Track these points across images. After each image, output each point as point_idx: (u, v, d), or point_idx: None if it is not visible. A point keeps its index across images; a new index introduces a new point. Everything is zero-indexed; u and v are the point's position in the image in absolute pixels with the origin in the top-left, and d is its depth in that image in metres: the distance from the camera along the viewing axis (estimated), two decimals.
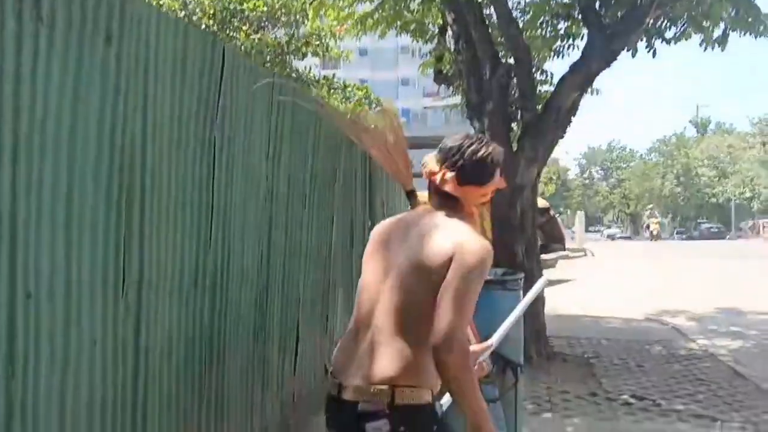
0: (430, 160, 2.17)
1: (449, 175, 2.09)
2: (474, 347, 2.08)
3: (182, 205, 3.32)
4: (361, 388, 1.89)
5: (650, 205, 50.44)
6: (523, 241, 6.83)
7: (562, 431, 4.72)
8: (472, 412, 1.87)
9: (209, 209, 3.57)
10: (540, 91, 7.89)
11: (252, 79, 3.98)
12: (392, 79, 55.85)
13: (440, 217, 2.06)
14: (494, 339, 2.47)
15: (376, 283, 2.01)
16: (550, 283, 14.33)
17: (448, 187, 2.08)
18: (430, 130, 43.04)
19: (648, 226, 43.14)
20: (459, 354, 1.84)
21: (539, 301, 6.99)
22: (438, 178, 2.10)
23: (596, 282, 15.98)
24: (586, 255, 25.29)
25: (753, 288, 12.62)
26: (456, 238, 1.95)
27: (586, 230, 53.60)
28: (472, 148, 2.13)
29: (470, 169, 2.10)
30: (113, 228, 2.78)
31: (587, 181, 78.39)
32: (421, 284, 1.92)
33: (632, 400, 5.48)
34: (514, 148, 6.94)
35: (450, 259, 1.90)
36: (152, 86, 3.02)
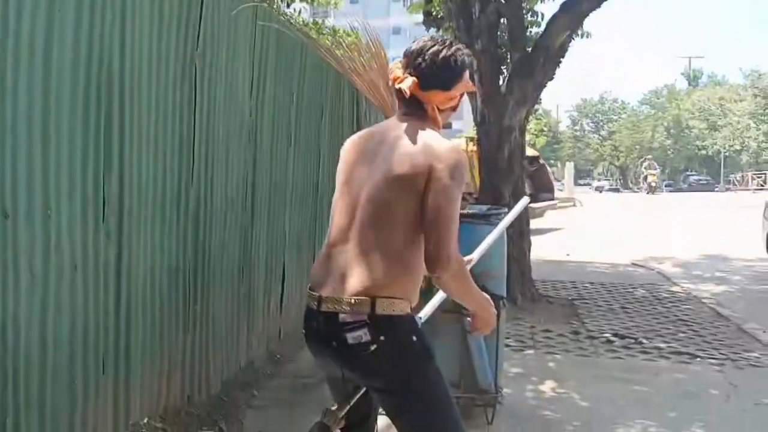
0: (395, 66, 2.09)
1: (411, 79, 2.00)
2: None
3: (163, 131, 3.28)
4: (341, 299, 1.88)
5: (649, 156, 50.21)
6: (511, 183, 6.82)
7: (543, 366, 4.78)
8: (475, 303, 2.07)
9: (191, 139, 3.53)
10: (530, 32, 7.80)
11: (235, 5, 3.90)
12: (384, 27, 55.11)
13: (408, 126, 2.00)
14: (475, 254, 2.45)
15: (350, 198, 1.99)
16: (538, 231, 14.46)
17: (411, 91, 1.99)
18: None
19: (646, 177, 42.82)
20: (456, 267, 1.89)
21: (525, 243, 7.03)
22: (401, 83, 2.01)
23: (584, 230, 16.07)
24: (575, 205, 25.40)
25: (738, 236, 12.71)
26: (428, 150, 1.91)
27: (576, 183, 53.64)
28: (434, 49, 2.01)
29: (433, 72, 1.99)
30: (92, 151, 2.75)
31: (578, 134, 78.18)
32: (396, 197, 1.90)
33: (614, 339, 5.55)
34: (503, 91, 6.89)
35: (426, 172, 1.87)
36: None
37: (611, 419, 3.77)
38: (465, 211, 3.94)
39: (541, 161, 17.66)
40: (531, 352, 5.15)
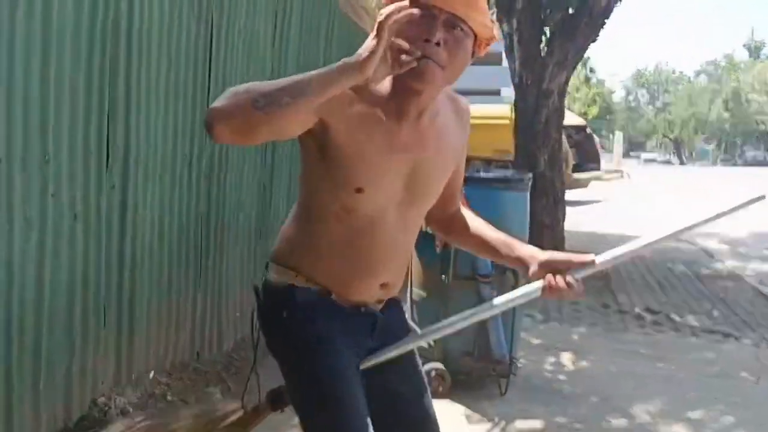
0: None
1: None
2: (568, 257, 1.51)
3: (175, 83, 3.20)
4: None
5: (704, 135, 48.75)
6: (547, 149, 6.61)
7: (566, 338, 4.64)
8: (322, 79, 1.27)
9: (205, 92, 3.45)
10: None
11: None
12: None
13: None
14: (602, 258, 1.50)
15: None
16: (582, 203, 14.09)
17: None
18: None
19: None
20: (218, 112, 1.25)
21: (559, 212, 6.84)
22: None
23: (628, 203, 15.67)
24: (622, 177, 24.78)
25: None
26: None
27: (628, 154, 52.40)
28: None
29: None
30: (96, 101, 2.68)
31: (633, 104, 76.30)
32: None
33: (645, 314, 5.37)
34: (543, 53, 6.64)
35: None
36: None
37: (630, 395, 3.63)
38: (486, 175, 3.80)
39: (588, 131, 17.20)
40: (556, 324, 5.01)
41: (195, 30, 3.30)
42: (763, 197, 1.43)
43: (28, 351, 2.44)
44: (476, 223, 1.72)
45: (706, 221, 1.45)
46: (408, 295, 3.84)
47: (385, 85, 1.39)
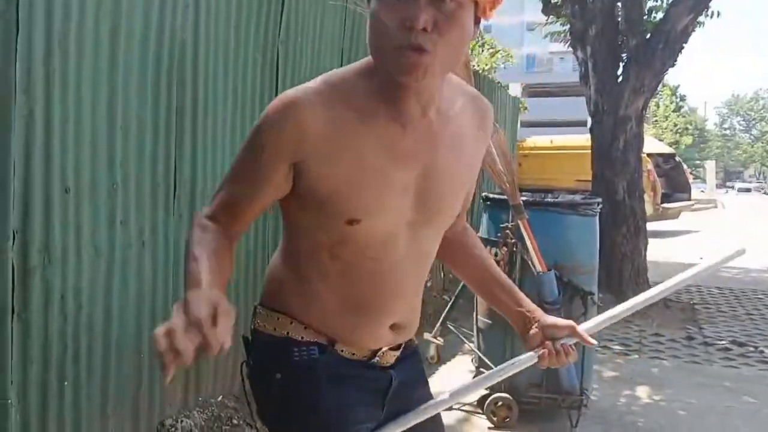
0: None
1: None
2: (571, 324, 1.37)
3: (241, 119, 3.30)
4: None
5: None
6: (625, 176, 6.43)
7: (645, 371, 4.44)
8: None
9: None
10: (654, 16, 7.33)
11: None
12: (517, 23, 54.14)
13: None
14: (589, 325, 1.40)
15: None
16: (672, 233, 13.59)
17: None
18: (555, 77, 41.43)
19: None
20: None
21: (641, 241, 6.61)
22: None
23: (722, 234, 14.98)
24: (716, 207, 23.79)
25: None
26: None
27: (724, 184, 50.16)
28: None
29: None
30: (162, 131, 2.80)
31: (727, 132, 73.36)
32: None
33: (731, 346, 5.09)
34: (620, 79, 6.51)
35: None
36: None
37: (710, 431, 3.43)
38: (553, 199, 3.73)
39: (678, 159, 16.64)
40: (635, 356, 4.82)
41: (261, 64, 3.42)
42: (743, 251, 1.41)
43: (96, 375, 2.54)
44: (479, 251, 1.49)
45: (690, 278, 1.46)
46: (474, 323, 3.80)
47: (375, 82, 1.16)
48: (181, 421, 2.99)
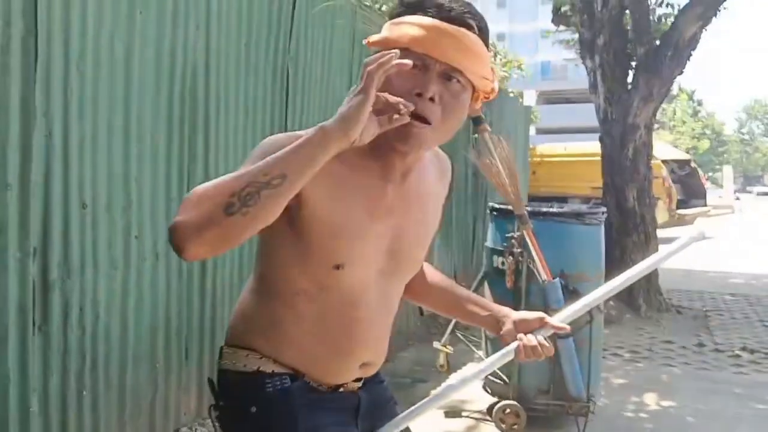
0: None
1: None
2: (541, 316, 1.43)
3: (252, 136, 3.39)
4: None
5: None
6: (635, 184, 6.47)
7: (654, 378, 4.48)
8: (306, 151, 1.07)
9: None
10: (665, 22, 7.38)
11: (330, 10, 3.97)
12: (532, 31, 54.14)
13: None
14: (561, 316, 1.45)
15: None
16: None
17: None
18: (570, 83, 41.33)
19: None
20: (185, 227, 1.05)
21: (651, 248, 6.62)
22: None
23: (738, 240, 14.91)
24: (733, 212, 23.60)
25: None
26: None
27: (744, 189, 49.61)
28: None
29: None
30: (176, 148, 2.91)
31: (746, 137, 72.70)
32: None
33: (742, 353, 5.11)
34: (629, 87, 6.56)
35: None
36: (215, 3, 3.07)
37: None
38: (559, 209, 3.79)
39: (693, 165, 16.58)
40: (644, 363, 4.85)
41: (271, 82, 3.51)
42: (703, 236, 1.47)
43: (113, 385, 2.64)
44: (439, 277, 1.56)
45: (650, 267, 1.48)
46: (482, 332, 3.87)
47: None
48: (196, 430, 3.08)
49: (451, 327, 4.30)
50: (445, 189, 1.43)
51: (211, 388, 1.35)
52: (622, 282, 1.48)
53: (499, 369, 3.60)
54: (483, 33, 1.21)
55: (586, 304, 1.47)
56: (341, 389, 1.34)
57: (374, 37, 1.22)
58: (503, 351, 1.41)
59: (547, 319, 1.42)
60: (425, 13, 1.18)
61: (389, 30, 1.21)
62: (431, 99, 1.16)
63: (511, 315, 1.45)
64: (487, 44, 1.23)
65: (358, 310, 1.28)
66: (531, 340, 1.37)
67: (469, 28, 1.18)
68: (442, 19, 1.17)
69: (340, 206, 1.21)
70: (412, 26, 1.18)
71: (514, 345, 1.39)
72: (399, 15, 1.22)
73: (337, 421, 1.31)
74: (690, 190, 15.59)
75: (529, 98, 29.88)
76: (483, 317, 1.48)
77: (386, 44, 1.18)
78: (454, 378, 1.18)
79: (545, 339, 1.39)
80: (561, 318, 1.45)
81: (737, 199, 34.33)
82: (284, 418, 1.27)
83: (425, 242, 1.38)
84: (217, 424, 1.33)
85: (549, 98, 39.09)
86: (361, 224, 1.23)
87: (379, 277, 1.30)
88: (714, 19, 6.32)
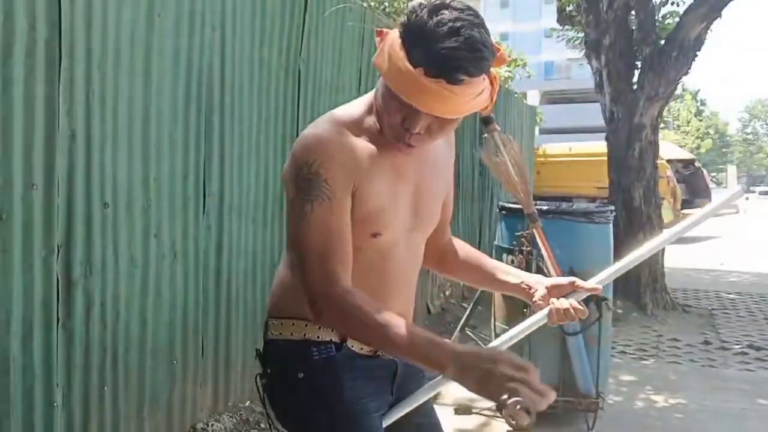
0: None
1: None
2: (574, 280, 1.48)
3: (265, 134, 3.44)
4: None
5: None
6: (641, 183, 6.51)
7: (661, 375, 4.52)
8: (424, 360, 1.21)
9: (293, 140, 3.68)
10: (669, 22, 7.42)
11: (341, 12, 4.03)
12: (535, 31, 54.11)
13: None
14: (595, 279, 1.49)
15: None
16: (692, 239, 13.56)
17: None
18: (574, 83, 41.29)
19: None
20: (328, 306, 1.29)
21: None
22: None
23: (743, 239, 14.93)
24: (737, 212, 23.62)
25: None
26: None
27: (748, 189, 49.56)
28: None
29: None
30: (192, 150, 2.96)
31: (750, 137, 72.64)
32: None
33: (748, 350, 5.14)
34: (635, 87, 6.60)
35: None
36: (230, 5, 3.12)
37: None
38: (567, 208, 3.84)
39: (697, 165, 16.61)
40: (651, 361, 4.89)
41: (284, 82, 3.57)
42: (741, 193, 1.51)
43: (133, 381, 2.69)
44: (470, 251, 1.66)
45: (696, 222, 1.46)
46: (492, 330, 3.91)
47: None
48: (212, 425, 3.14)
49: (460, 325, 4.35)
50: (451, 150, 1.55)
51: (259, 357, 1.45)
52: (663, 240, 1.48)
53: None
54: (487, 66, 1.22)
55: (621, 266, 1.47)
56: (379, 352, 1.41)
57: (378, 60, 1.27)
58: (536, 316, 1.45)
59: (579, 282, 1.47)
60: (430, 68, 1.18)
61: (390, 58, 1.23)
62: (417, 132, 1.27)
63: (543, 281, 1.51)
64: (489, 71, 1.25)
65: (390, 262, 1.40)
66: (563, 303, 1.42)
67: (472, 75, 1.19)
68: (447, 81, 1.18)
69: (377, 180, 1.33)
70: (407, 77, 1.20)
71: (546, 310, 1.44)
72: (405, 44, 1.21)
73: (376, 392, 1.41)
74: (695, 189, 15.62)
75: (533, 98, 29.90)
76: (515, 285, 1.55)
77: (382, 71, 1.25)
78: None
79: (578, 303, 1.44)
80: (595, 281, 1.48)
81: (746, 198, 34.39)
82: (329, 386, 1.36)
83: (440, 197, 1.50)
84: (263, 392, 1.43)
85: (552, 98, 39.06)
86: (393, 193, 1.36)
87: (406, 235, 1.42)
88: (719, 19, 6.35)
